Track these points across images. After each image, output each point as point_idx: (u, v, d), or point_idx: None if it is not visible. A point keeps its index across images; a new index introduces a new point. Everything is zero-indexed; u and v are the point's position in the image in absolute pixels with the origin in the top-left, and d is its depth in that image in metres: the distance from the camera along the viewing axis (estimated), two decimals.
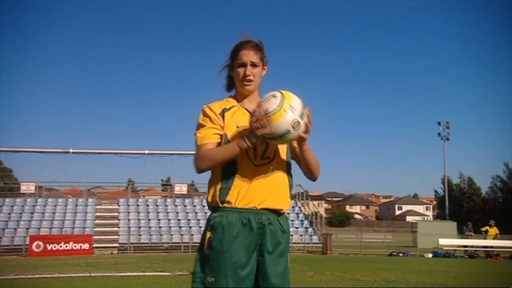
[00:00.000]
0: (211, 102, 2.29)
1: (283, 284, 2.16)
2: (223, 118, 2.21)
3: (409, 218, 67.21)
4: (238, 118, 2.22)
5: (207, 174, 2.26)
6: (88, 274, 10.70)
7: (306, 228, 23.54)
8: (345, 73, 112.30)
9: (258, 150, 2.18)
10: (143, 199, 28.08)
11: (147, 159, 22.97)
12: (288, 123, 2.03)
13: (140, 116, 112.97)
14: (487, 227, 20.83)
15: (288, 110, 2.04)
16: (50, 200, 23.84)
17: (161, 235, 21.97)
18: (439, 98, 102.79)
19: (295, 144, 2.25)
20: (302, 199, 26.58)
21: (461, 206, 57.63)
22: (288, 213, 22.08)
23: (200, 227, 21.76)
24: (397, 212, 79.25)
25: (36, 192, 24.40)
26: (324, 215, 44.87)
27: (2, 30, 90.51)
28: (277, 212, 2.21)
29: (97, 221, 22.40)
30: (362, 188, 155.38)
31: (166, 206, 24.77)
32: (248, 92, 2.28)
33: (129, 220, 22.73)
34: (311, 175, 2.32)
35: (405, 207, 79.61)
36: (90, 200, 24.52)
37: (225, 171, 2.18)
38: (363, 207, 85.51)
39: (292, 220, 24.07)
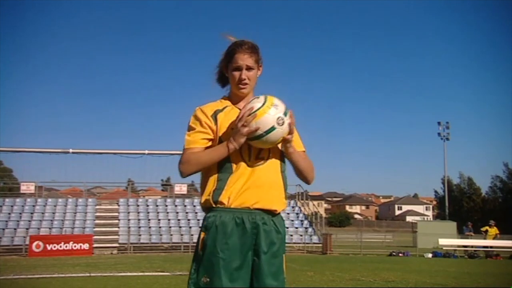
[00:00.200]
0: (204, 104, 2.29)
1: (278, 285, 2.15)
2: (216, 121, 2.21)
3: (409, 218, 67.21)
4: (231, 118, 2.21)
5: None
6: (88, 274, 10.71)
7: (306, 228, 23.53)
8: (345, 73, 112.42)
9: (252, 151, 2.18)
10: (143, 199, 28.07)
11: (147, 159, 22.95)
12: (272, 118, 2.08)
13: (140, 116, 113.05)
14: (487, 227, 20.83)
15: (271, 107, 2.10)
16: (50, 200, 23.84)
17: (161, 235, 21.97)
18: (439, 98, 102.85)
19: (280, 146, 2.24)
20: (302, 199, 26.57)
21: (461, 206, 57.64)
22: (288, 213, 21.96)
23: (200, 227, 21.74)
24: (397, 212, 79.26)
25: (36, 192, 24.40)
26: (324, 215, 44.87)
27: (2, 30, 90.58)
28: (271, 213, 2.20)
29: (97, 221, 22.40)
30: (362, 188, 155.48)
31: (166, 206, 24.78)
32: (244, 94, 2.28)
33: (129, 220, 22.73)
34: (303, 178, 2.31)
35: (405, 207, 79.61)
36: (90, 200, 24.53)
37: (219, 171, 2.18)
38: (363, 207, 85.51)
39: (292, 220, 24.08)
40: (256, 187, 2.15)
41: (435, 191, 64.96)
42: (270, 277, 2.13)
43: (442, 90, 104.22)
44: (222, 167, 2.17)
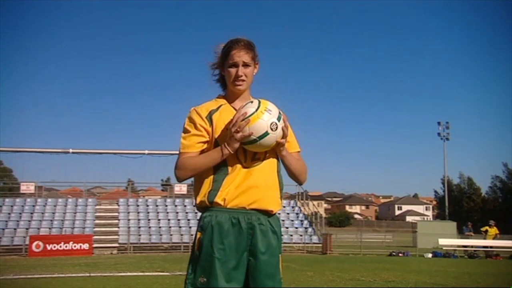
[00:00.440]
0: (200, 104, 2.28)
1: (275, 285, 2.16)
2: (211, 122, 2.21)
3: (409, 218, 67.19)
4: (226, 117, 2.21)
5: None
6: (88, 274, 10.70)
7: (306, 228, 23.53)
8: (345, 73, 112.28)
9: (248, 152, 2.18)
10: (143, 199, 28.07)
11: (147, 159, 22.97)
12: (266, 124, 2.09)
13: (140, 116, 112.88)
14: (487, 227, 20.82)
15: (265, 112, 2.11)
16: (50, 200, 23.84)
17: (161, 235, 21.97)
18: (439, 98, 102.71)
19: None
20: (302, 199, 26.56)
21: (461, 206, 57.60)
22: (288, 213, 21.99)
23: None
24: (397, 212, 79.22)
25: (36, 192, 24.40)
26: (324, 215, 44.86)
27: (2, 30, 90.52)
28: (267, 213, 2.20)
29: (97, 221, 22.40)
30: (362, 188, 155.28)
31: (166, 206, 24.79)
32: (240, 92, 2.27)
33: (129, 220, 22.73)
34: (295, 179, 2.34)
35: (405, 207, 79.58)
36: (90, 200, 24.53)
37: (215, 173, 2.17)
38: (363, 207, 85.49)
39: (292, 220, 24.08)
40: (252, 187, 2.15)
41: (435, 191, 64.98)
42: (267, 278, 2.14)
43: (442, 90, 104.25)
44: (218, 168, 2.17)
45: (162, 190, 42.35)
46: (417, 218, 62.47)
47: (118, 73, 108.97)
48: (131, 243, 21.05)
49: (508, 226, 34.07)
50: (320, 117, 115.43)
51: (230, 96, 2.31)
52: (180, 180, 2.23)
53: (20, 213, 22.14)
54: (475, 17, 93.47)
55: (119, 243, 21.24)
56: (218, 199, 2.14)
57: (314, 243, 22.53)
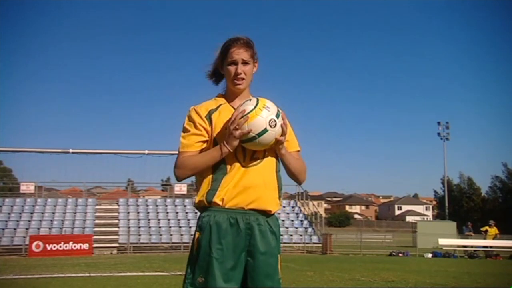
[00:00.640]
0: (199, 103, 2.28)
1: (273, 285, 2.15)
2: (210, 121, 2.20)
3: (409, 218, 67.18)
4: (225, 116, 2.20)
5: None
6: (88, 274, 10.70)
7: (306, 228, 23.53)
8: (345, 73, 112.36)
9: (247, 151, 2.18)
10: (142, 199, 28.07)
11: (147, 159, 22.91)
12: (264, 121, 2.09)
13: (140, 116, 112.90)
14: (487, 227, 20.82)
15: (263, 109, 2.11)
16: (49, 200, 23.84)
17: (160, 235, 21.97)
18: (439, 98, 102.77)
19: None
20: (302, 199, 26.56)
21: (461, 206, 57.57)
22: (288, 213, 21.99)
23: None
24: (397, 212, 79.22)
25: (35, 192, 24.41)
26: (323, 215, 44.85)
27: (2, 30, 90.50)
28: (266, 213, 2.20)
29: (96, 221, 22.40)
30: (361, 188, 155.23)
31: (166, 206, 24.79)
32: (240, 90, 2.27)
33: (128, 220, 22.74)
34: (295, 179, 2.33)
35: (405, 207, 79.57)
36: (90, 200, 24.53)
37: (214, 172, 2.17)
38: (363, 207, 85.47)
39: (292, 220, 24.08)
40: (250, 187, 2.14)
41: (435, 191, 64.91)
42: (265, 278, 2.14)
43: (442, 90, 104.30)
44: (217, 167, 2.16)
45: (162, 190, 42.35)
46: (417, 218, 62.46)
47: (118, 73, 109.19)
48: (131, 243, 21.05)
49: (508, 226, 34.06)
50: (320, 117, 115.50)
51: (229, 95, 2.30)
52: (179, 179, 2.22)
53: (20, 213, 22.14)
54: (475, 17, 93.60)
55: (119, 243, 21.25)
56: (217, 199, 2.13)
57: (314, 243, 22.53)
